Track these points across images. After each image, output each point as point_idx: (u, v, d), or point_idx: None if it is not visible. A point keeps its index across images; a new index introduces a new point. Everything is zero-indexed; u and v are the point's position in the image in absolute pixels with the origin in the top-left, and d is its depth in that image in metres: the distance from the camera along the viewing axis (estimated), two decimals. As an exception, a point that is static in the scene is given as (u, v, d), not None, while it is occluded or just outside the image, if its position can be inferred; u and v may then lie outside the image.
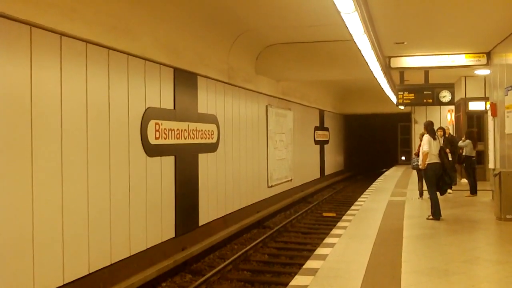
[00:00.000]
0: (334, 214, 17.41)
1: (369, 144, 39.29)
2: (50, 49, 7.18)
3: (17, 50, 6.65)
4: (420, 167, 11.26)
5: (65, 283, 7.38)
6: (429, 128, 10.89)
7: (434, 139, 10.74)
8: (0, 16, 6.27)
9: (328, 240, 8.93)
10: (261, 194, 16.62)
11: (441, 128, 14.85)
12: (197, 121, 11.75)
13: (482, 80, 18.77)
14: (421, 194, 14.11)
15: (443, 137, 14.38)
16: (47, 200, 7.08)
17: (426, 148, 10.64)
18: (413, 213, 11.77)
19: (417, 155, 12.71)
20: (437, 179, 10.68)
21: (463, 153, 14.60)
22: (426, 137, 10.76)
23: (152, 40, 9.83)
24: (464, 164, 14.61)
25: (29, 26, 6.75)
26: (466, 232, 9.58)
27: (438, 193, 10.81)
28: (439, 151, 10.68)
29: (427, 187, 11.07)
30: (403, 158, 34.79)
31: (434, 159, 10.64)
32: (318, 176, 26.00)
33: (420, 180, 13.96)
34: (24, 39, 6.72)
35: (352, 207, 12.98)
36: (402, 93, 15.27)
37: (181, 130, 10.97)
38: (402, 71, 15.02)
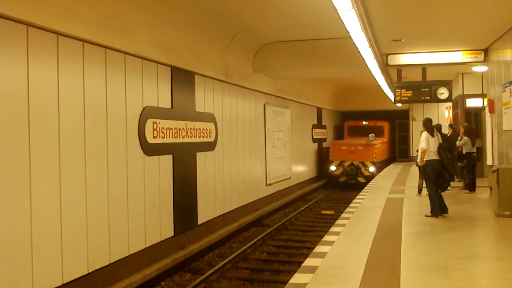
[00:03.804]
0: (332, 212, 17.43)
1: None
2: (47, 48, 7.16)
3: (14, 49, 6.62)
4: (419, 164, 11.29)
5: (64, 282, 7.37)
6: (428, 125, 10.92)
7: (433, 136, 10.76)
8: (-3, 16, 6.27)
9: (327, 238, 8.93)
10: (259, 192, 16.61)
11: (437, 125, 14.90)
12: (195, 119, 11.73)
13: (479, 77, 18.78)
14: (420, 191, 14.14)
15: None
16: (45, 200, 7.06)
17: (424, 145, 10.68)
18: (411, 210, 11.78)
19: None
20: (436, 176, 10.70)
21: (463, 151, 14.54)
22: (424, 134, 10.79)
23: (149, 39, 9.81)
24: (465, 161, 14.57)
25: (25, 25, 6.73)
26: (464, 228, 9.59)
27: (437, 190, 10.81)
28: (438, 148, 10.70)
29: (426, 184, 11.09)
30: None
31: (432, 156, 10.66)
32: (316, 174, 25.99)
33: (421, 177, 13.99)
34: (20, 38, 6.70)
35: (351, 205, 12.99)
36: (399, 90, 15.25)
37: (179, 129, 10.96)
38: (399, 68, 15.01)
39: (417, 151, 13.42)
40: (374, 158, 24.23)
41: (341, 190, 23.79)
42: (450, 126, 16.04)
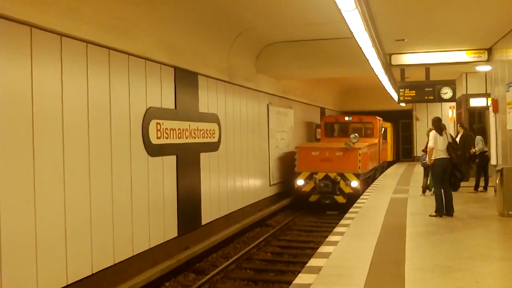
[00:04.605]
0: (336, 212, 17.40)
1: None
2: (50, 49, 7.17)
3: (18, 51, 6.63)
4: (427, 162, 11.25)
5: (68, 283, 7.38)
6: (436, 124, 10.92)
7: (441, 134, 10.74)
8: (0, 17, 6.26)
9: (331, 238, 8.92)
10: (263, 193, 16.61)
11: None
12: (198, 120, 11.74)
13: (483, 76, 18.75)
14: (424, 191, 14.12)
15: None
16: (49, 201, 7.07)
17: (431, 144, 10.69)
18: (415, 210, 11.76)
19: (425, 151, 12.65)
20: (448, 175, 10.68)
21: (476, 152, 14.41)
22: (432, 133, 10.80)
23: (152, 40, 9.82)
24: (478, 160, 14.48)
25: (29, 26, 6.74)
26: (469, 228, 9.57)
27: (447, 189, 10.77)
28: (447, 146, 10.66)
29: (433, 183, 11.08)
30: None
31: (441, 154, 10.64)
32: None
33: (425, 177, 13.97)
34: (24, 40, 6.71)
35: (355, 205, 12.96)
36: (403, 90, 15.24)
37: (183, 130, 10.96)
38: (403, 68, 14.99)
39: (423, 151, 13.40)
40: (358, 169, 17.41)
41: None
42: (461, 126, 15.90)
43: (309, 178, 17.62)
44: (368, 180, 18.93)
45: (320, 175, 17.43)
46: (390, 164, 28.13)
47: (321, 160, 17.70)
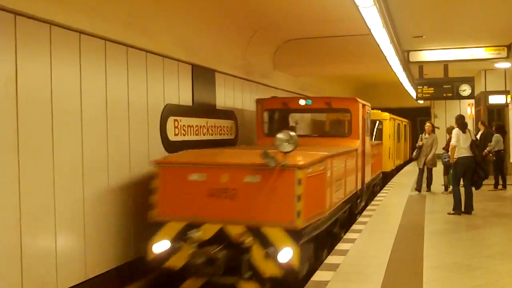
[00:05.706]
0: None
1: None
2: (69, 47, 7.22)
3: (37, 48, 6.69)
4: (450, 161, 11.14)
5: (88, 278, 7.44)
6: (460, 122, 10.83)
7: (464, 132, 10.64)
8: (20, 15, 6.33)
9: (348, 235, 8.89)
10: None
11: (429, 122, 14.89)
12: (215, 117, 11.76)
13: (502, 73, 18.55)
14: (446, 189, 14.00)
15: (430, 134, 14.29)
16: (69, 198, 7.12)
17: (454, 142, 10.60)
18: (434, 208, 11.68)
19: (447, 149, 12.56)
20: (470, 173, 10.58)
21: (492, 149, 14.26)
22: (455, 130, 10.71)
23: (170, 37, 9.86)
24: (494, 158, 14.36)
25: (48, 24, 6.80)
26: (488, 226, 9.49)
27: (471, 187, 10.70)
28: (470, 144, 10.56)
29: (452, 181, 11.00)
30: None
31: (464, 152, 10.54)
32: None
33: (445, 174, 13.87)
34: (43, 37, 6.77)
35: (372, 203, 12.90)
36: (421, 87, 15.18)
37: (200, 126, 10.99)
38: (421, 65, 14.90)
39: (444, 149, 13.29)
40: (294, 216, 6.69)
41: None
42: (482, 123, 15.74)
43: (180, 237, 7.10)
44: (332, 232, 8.98)
45: (206, 231, 7.04)
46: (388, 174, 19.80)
47: (210, 194, 7.20)
